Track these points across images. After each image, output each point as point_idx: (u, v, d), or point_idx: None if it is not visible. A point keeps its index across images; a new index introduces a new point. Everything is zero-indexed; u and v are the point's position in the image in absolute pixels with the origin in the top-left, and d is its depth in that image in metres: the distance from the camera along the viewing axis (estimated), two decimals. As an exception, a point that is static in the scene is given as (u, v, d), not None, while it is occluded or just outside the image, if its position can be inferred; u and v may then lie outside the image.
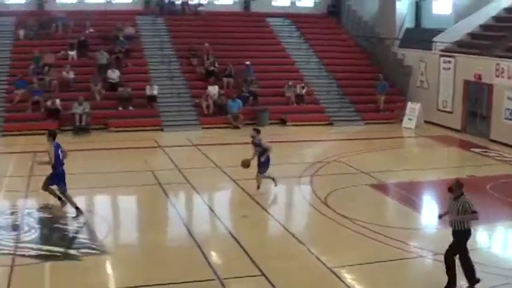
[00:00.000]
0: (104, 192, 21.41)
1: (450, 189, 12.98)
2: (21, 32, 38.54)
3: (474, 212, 12.66)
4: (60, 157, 17.81)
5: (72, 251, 15.00)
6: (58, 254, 14.83)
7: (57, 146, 17.85)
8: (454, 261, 12.90)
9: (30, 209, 18.48)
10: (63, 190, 17.89)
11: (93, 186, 21.52)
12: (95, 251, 15.06)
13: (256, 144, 20.14)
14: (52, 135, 17.86)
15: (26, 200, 19.54)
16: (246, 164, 20.27)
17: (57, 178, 17.76)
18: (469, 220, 12.75)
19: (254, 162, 20.11)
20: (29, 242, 15.64)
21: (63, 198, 18.03)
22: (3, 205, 18.94)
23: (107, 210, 19.35)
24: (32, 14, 40.51)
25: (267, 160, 20.10)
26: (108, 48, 37.27)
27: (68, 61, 36.29)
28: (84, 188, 21.13)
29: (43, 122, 31.55)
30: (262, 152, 20.03)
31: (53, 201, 18.94)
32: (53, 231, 16.58)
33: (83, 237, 16.13)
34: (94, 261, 14.52)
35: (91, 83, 34.25)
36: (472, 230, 12.96)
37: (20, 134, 30.54)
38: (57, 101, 32.17)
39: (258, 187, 20.19)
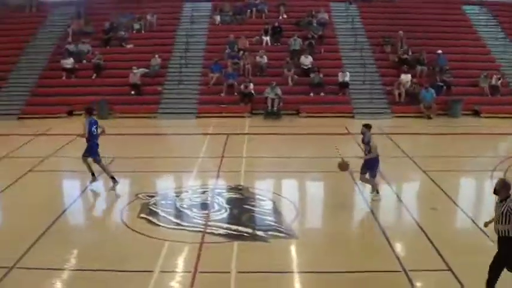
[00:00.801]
0: (293, 177, 21.66)
1: (495, 191, 11.47)
2: (218, 17, 39.91)
3: None
4: (94, 133, 18.69)
5: (260, 233, 15.26)
6: (246, 234, 15.16)
7: (94, 123, 18.83)
8: (497, 276, 11.65)
9: (220, 189, 19.10)
10: (97, 161, 18.94)
11: (283, 170, 21.92)
12: (282, 234, 15.24)
13: (365, 142, 18.15)
14: (88, 112, 19.00)
15: (217, 180, 20.19)
16: (343, 167, 18.18)
17: (89, 151, 18.80)
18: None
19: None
20: (219, 221, 16.11)
21: (95, 175, 19.15)
22: (196, 184, 19.61)
23: (295, 195, 19.50)
24: (229, -1, 41.71)
25: (376, 161, 18.07)
26: (301, 34, 37.72)
27: (261, 46, 37.14)
28: (275, 172, 21.61)
29: (236, 106, 32.54)
30: (369, 151, 18.00)
31: (243, 182, 19.47)
32: (242, 211, 16.94)
33: (271, 219, 16.37)
34: (281, 245, 14.67)
35: (284, 69, 34.85)
36: None
37: (213, 116, 31.57)
38: (251, 85, 32.99)
39: (374, 189, 18.43)
